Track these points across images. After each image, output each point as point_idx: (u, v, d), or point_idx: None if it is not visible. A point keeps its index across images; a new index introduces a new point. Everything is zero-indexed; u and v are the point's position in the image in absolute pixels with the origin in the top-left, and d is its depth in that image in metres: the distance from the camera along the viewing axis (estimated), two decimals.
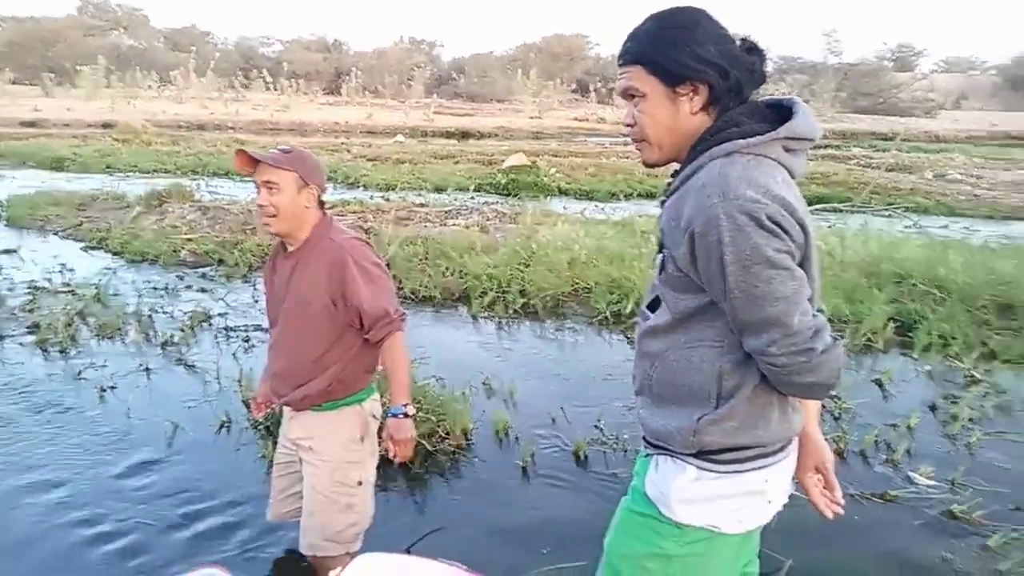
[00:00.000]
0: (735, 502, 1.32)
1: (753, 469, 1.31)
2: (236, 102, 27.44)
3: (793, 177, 1.25)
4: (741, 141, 1.21)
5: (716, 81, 1.23)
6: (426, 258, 6.52)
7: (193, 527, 2.70)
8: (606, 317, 5.36)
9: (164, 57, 37.82)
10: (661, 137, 1.30)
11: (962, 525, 2.90)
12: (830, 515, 1.47)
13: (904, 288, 6.03)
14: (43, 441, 3.28)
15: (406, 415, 2.02)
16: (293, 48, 43.84)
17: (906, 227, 9.44)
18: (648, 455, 1.44)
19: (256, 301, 5.61)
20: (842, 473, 3.29)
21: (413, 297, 5.74)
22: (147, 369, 4.19)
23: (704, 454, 1.30)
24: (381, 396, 2.30)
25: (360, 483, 2.17)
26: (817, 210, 10.34)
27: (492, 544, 2.63)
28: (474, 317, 5.49)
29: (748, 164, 1.20)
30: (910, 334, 5.20)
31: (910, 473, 3.30)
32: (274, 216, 2.01)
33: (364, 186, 11.75)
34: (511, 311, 5.57)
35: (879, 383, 4.44)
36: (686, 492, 1.31)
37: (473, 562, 2.48)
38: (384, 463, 2.34)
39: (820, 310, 1.28)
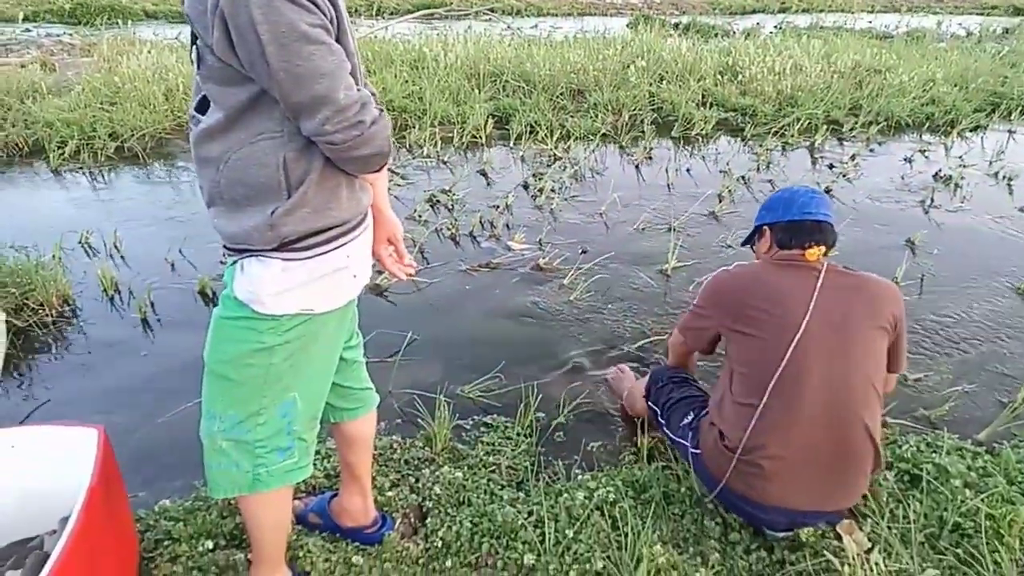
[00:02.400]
0: (324, 282, 1.39)
1: (334, 249, 1.36)
2: None
3: None
4: None
5: None
6: None
7: None
8: None
9: None
10: None
11: (546, 274, 3.55)
12: (404, 277, 1.64)
13: (499, 85, 6.64)
14: None
15: None
16: None
17: (503, 30, 10.19)
18: (233, 262, 1.42)
19: None
20: (455, 253, 3.75)
21: None
22: None
23: (285, 246, 1.32)
24: None
25: None
26: (421, 17, 10.55)
27: (114, 403, 2.46)
28: (56, 172, 4.66)
29: None
30: (507, 126, 5.83)
31: (507, 242, 3.87)
32: None
33: None
34: (103, 159, 4.85)
35: (483, 173, 4.98)
36: (275, 285, 1.34)
37: (94, 423, 2.35)
38: None
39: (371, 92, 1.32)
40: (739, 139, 6.20)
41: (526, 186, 4.76)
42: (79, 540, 1.33)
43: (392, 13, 11.29)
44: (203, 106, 1.31)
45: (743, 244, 2.21)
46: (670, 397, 2.14)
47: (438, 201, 4.41)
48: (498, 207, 4.33)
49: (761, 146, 5.89)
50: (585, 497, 1.99)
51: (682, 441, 2.03)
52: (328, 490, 2.00)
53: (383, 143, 1.28)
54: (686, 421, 2.04)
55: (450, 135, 5.60)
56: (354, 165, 1.30)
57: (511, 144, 5.60)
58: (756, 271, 1.94)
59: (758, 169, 5.38)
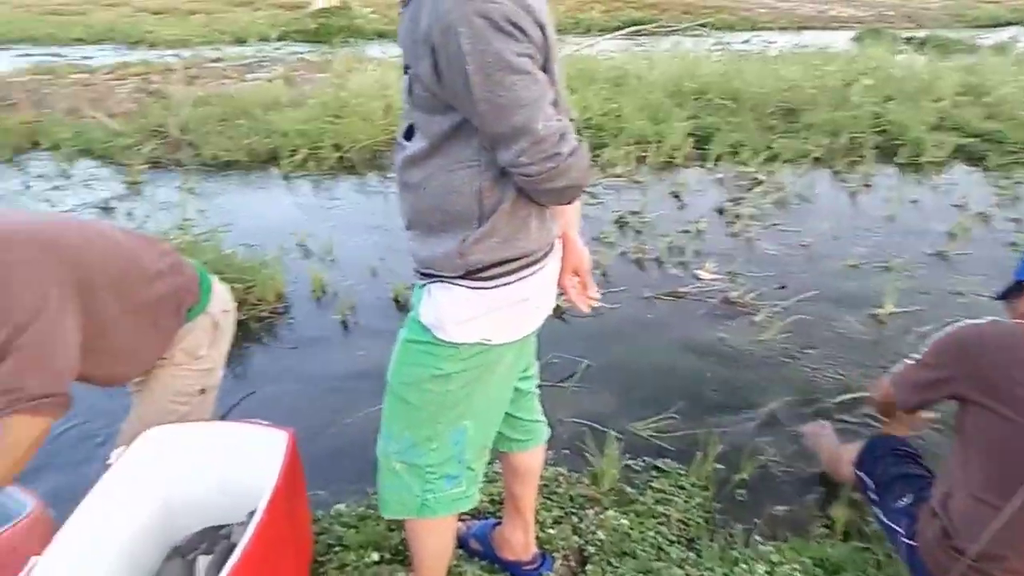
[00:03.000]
0: (505, 312, 1.38)
1: (518, 280, 1.35)
2: None
3: None
4: None
5: None
6: (225, 119, 5.98)
7: None
8: None
9: None
10: None
11: (736, 308, 3.31)
12: (587, 309, 1.58)
13: (702, 103, 6.38)
14: None
15: None
16: None
17: (713, 45, 9.83)
18: (422, 285, 1.45)
19: (29, 187, 4.96)
20: (640, 278, 3.62)
21: (213, 163, 5.31)
22: None
23: (472, 274, 1.32)
24: None
25: (203, 391, 1.89)
26: (629, 34, 10.48)
27: (309, 400, 2.66)
28: (286, 178, 5.20)
29: None
30: (706, 146, 5.58)
31: (696, 271, 3.67)
32: None
33: (151, 44, 10.35)
34: (326, 167, 5.33)
35: (676, 195, 4.79)
36: (459, 312, 1.35)
37: (286, 420, 2.54)
38: None
39: (570, 118, 1.28)
40: (980, 169, 5.41)
41: (721, 211, 4.50)
42: (262, 536, 1.41)
43: (601, 30, 11.34)
44: (409, 133, 1.34)
45: (998, 297, 1.82)
46: (887, 471, 1.85)
47: (626, 223, 4.30)
48: (689, 232, 4.13)
49: (1007, 178, 5.10)
50: (766, 572, 1.79)
51: (894, 526, 1.74)
52: (492, 516, 1.99)
53: (579, 175, 1.24)
54: (902, 503, 1.75)
55: (644, 154, 5.46)
56: (548, 197, 1.27)
57: (709, 165, 5.34)
58: (1020, 335, 1.59)
59: (1001, 205, 4.65)
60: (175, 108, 5.96)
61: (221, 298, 1.91)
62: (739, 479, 2.25)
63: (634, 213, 4.40)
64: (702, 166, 5.37)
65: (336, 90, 6.56)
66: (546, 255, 1.39)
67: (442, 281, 1.35)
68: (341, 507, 2.01)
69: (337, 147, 5.52)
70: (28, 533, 1.46)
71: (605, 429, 2.40)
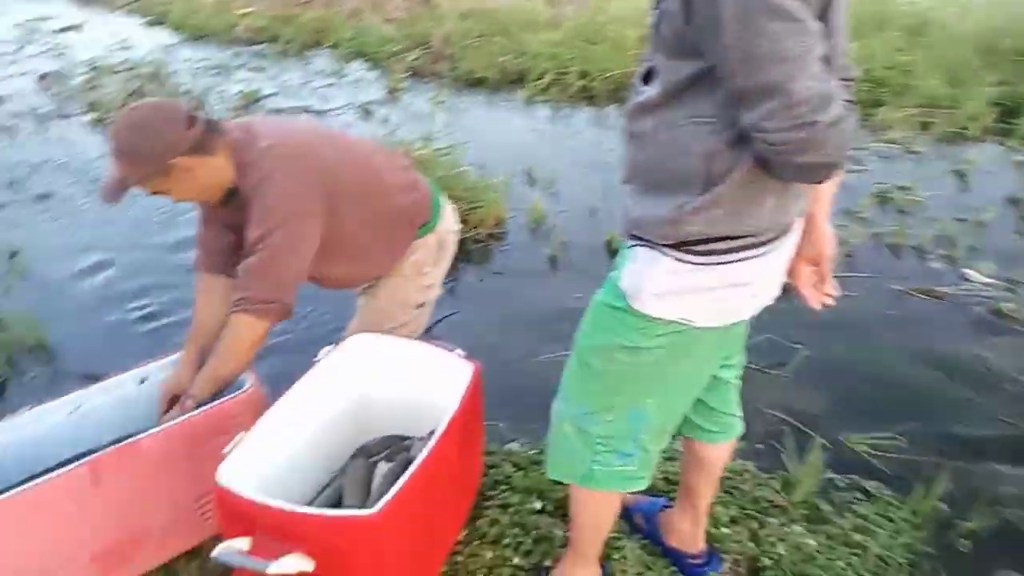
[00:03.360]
0: (715, 294, 1.22)
1: (739, 260, 1.18)
2: None
3: None
4: None
5: None
6: (483, 35, 6.12)
7: None
8: None
9: None
10: None
11: (1009, 324, 2.75)
12: (817, 306, 1.37)
13: (1021, 67, 5.25)
14: (98, 218, 3.49)
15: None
16: None
17: None
18: (629, 246, 1.34)
19: (308, 82, 5.51)
20: (892, 267, 3.16)
21: (466, 79, 5.49)
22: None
23: (684, 244, 1.18)
24: None
25: (421, 305, 1.98)
26: None
27: (506, 330, 2.70)
28: (528, 101, 5.23)
29: None
30: (1014, 121, 4.61)
31: (965, 270, 3.09)
32: (192, 201, 1.68)
33: None
34: (568, 95, 5.27)
35: (960, 174, 4.05)
36: (660, 284, 1.22)
37: (481, 347, 2.59)
38: None
39: (848, 76, 1.06)
40: None
41: (1016, 202, 3.72)
42: (436, 458, 1.46)
43: None
44: (648, 77, 1.19)
45: None
46: None
47: (890, 199, 3.73)
48: (967, 221, 3.48)
49: None
50: None
51: None
52: (664, 496, 1.88)
53: (835, 152, 1.01)
54: None
55: (931, 120, 4.66)
56: (791, 172, 1.06)
57: (1012, 143, 4.42)
58: None
59: None
60: (440, 20, 6.21)
61: (449, 218, 1.98)
62: (967, 527, 1.90)
63: (902, 189, 3.80)
64: (1002, 144, 4.46)
65: (594, 13, 6.39)
66: (778, 237, 1.20)
67: (650, 247, 1.22)
68: (515, 446, 2.02)
69: (583, 74, 5.41)
70: (244, 406, 1.64)
71: (811, 432, 2.15)
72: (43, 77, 5.40)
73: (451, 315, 2.79)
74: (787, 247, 1.25)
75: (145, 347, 2.55)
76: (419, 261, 1.90)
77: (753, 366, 2.42)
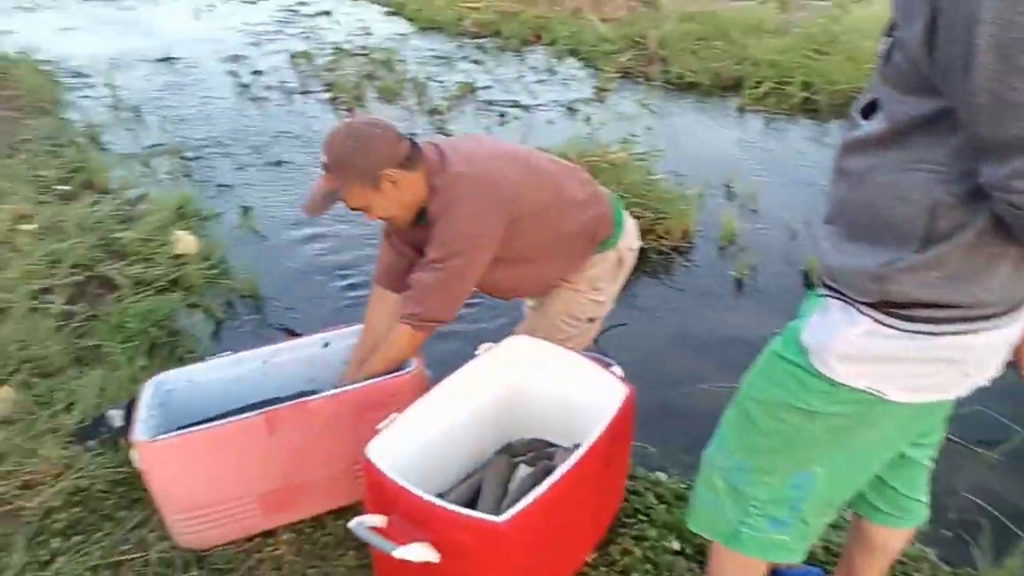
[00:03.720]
0: (918, 368, 1.06)
1: (952, 333, 1.01)
2: None
3: None
4: None
5: None
6: (702, 38, 5.90)
7: None
8: None
9: None
10: None
11: None
12: None
13: None
14: None
15: None
16: None
17: None
18: (820, 295, 1.20)
19: (521, 77, 5.66)
20: None
21: (676, 82, 5.33)
22: (412, 134, 4.57)
23: (887, 305, 1.02)
24: None
25: (591, 320, 1.96)
26: None
27: (675, 351, 2.58)
28: (740, 110, 4.96)
29: None
30: None
31: None
32: (388, 219, 1.73)
33: None
34: (787, 106, 4.92)
35: None
36: (851, 346, 1.07)
37: (645, 363, 2.51)
38: None
39: None
40: None
41: None
42: (575, 475, 1.43)
43: None
44: (869, 110, 1.05)
45: None
46: None
47: None
48: None
49: None
50: None
51: None
52: (819, 568, 1.69)
53: None
54: None
55: None
56: None
57: None
58: None
59: None
60: (660, 21, 6.08)
61: (631, 235, 1.93)
62: None
63: None
64: None
65: (828, 21, 5.90)
66: (1007, 314, 1.01)
67: (845, 302, 1.07)
68: (662, 476, 1.93)
69: (806, 85, 5.03)
70: (406, 386, 1.72)
71: (1016, 530, 1.82)
72: (294, 56, 6.06)
73: (620, 326, 2.72)
74: (1017, 326, 1.05)
75: (338, 314, 2.78)
76: (595, 276, 1.88)
77: (956, 439, 2.11)
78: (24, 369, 2.26)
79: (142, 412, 1.64)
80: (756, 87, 5.09)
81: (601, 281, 1.89)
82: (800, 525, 1.24)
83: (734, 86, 5.27)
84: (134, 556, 1.70)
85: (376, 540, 1.29)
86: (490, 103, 5.12)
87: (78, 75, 5.64)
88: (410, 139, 1.66)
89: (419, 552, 1.27)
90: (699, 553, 1.68)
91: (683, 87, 5.31)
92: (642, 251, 3.08)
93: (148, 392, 1.72)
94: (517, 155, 1.79)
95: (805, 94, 4.99)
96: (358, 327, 1.96)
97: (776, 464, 1.20)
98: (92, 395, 2.15)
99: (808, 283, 2.95)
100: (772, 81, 5.10)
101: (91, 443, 1.99)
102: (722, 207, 3.55)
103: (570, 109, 4.98)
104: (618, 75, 5.54)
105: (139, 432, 1.58)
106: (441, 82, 5.51)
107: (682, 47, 5.73)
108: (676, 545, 1.67)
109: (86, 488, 1.86)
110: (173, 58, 5.95)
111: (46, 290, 2.67)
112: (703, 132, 4.63)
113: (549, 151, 2.25)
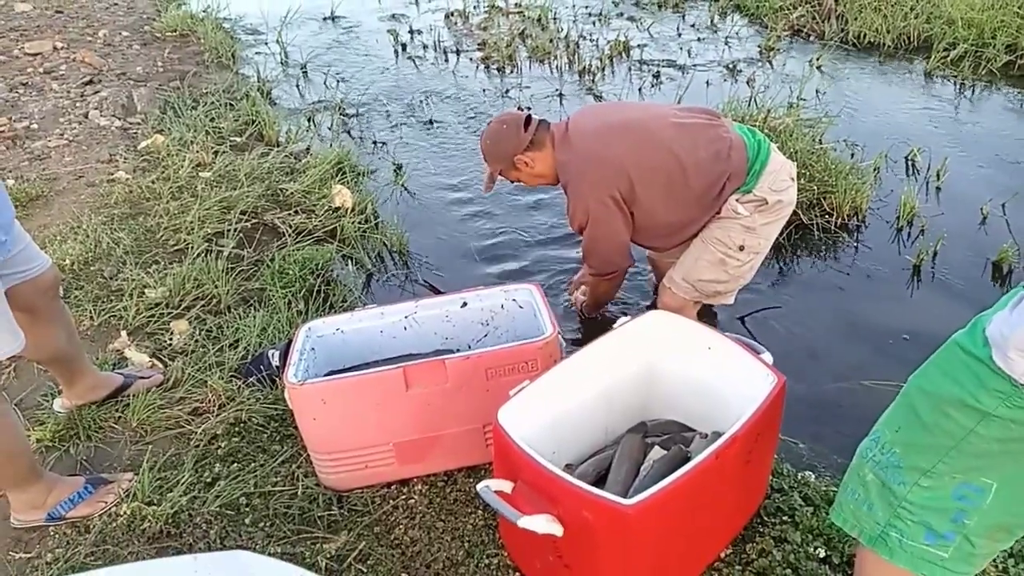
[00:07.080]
0: None
1: None
2: None
3: None
4: None
5: None
6: None
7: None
8: None
9: None
10: None
11: None
12: None
13: None
14: (470, 151, 3.86)
15: None
16: None
17: None
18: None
19: (680, 34, 5.37)
20: None
21: (855, 42, 4.83)
22: (560, 95, 4.49)
23: None
24: None
25: (742, 248, 2.07)
26: None
27: (835, 339, 2.36)
28: (928, 75, 4.42)
29: None
30: None
31: None
32: (536, 185, 2.23)
33: None
34: (985, 71, 4.33)
35: None
36: None
37: (801, 351, 2.32)
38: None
39: None
40: None
41: None
42: (711, 466, 1.35)
43: None
44: None
45: None
46: None
47: None
48: None
49: None
50: None
51: None
52: None
53: None
54: None
55: None
56: None
57: None
58: None
59: None
60: None
61: (776, 180, 2.04)
62: None
63: None
64: None
65: None
66: None
67: None
68: (810, 475, 1.78)
69: (1011, 48, 4.39)
70: (540, 353, 1.69)
71: None
72: (448, 15, 6.11)
73: (774, 308, 2.54)
74: None
75: (479, 277, 2.80)
76: (734, 207, 2.04)
77: None
78: (197, 306, 2.47)
79: (294, 356, 1.74)
80: (949, 49, 4.51)
81: (741, 207, 2.03)
82: (963, 543, 1.09)
83: (922, 48, 4.70)
84: (283, 488, 1.82)
85: (503, 507, 1.28)
86: (644, 63, 4.90)
87: (254, 32, 6.01)
88: (539, 121, 2.11)
89: (544, 524, 1.25)
90: (847, 564, 1.54)
91: (862, 47, 4.81)
92: (804, 227, 2.88)
93: (301, 337, 1.82)
94: (634, 126, 2.05)
95: (1009, 57, 4.36)
96: (497, 288, 1.97)
97: (937, 467, 1.06)
98: (255, 334, 2.32)
99: (999, 275, 2.58)
100: (969, 42, 4.49)
101: (251, 379, 2.15)
102: (901, 183, 3.19)
103: (731, 70, 4.66)
104: (788, 33, 5.12)
105: (290, 375, 1.67)
106: (594, 40, 5.34)
107: (862, 2, 5.16)
108: (821, 552, 1.53)
109: (245, 420, 2.01)
110: (338, 17, 6.18)
111: (219, 234, 2.89)
112: (883, 99, 4.17)
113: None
